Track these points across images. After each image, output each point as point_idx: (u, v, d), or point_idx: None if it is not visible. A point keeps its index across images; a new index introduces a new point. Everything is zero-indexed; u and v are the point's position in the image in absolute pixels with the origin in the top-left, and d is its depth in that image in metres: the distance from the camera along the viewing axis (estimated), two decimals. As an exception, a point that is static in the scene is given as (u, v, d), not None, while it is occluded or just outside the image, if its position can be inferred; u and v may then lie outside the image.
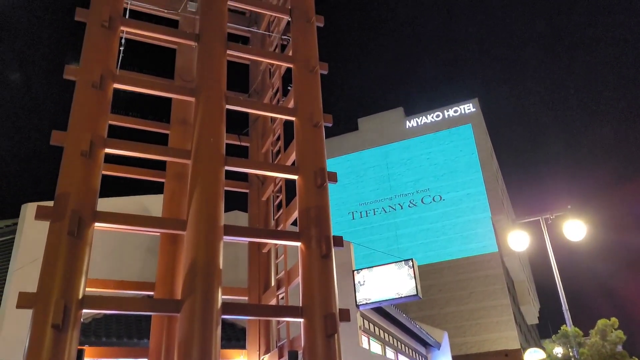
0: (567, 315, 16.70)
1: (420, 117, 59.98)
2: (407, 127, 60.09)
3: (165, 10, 12.56)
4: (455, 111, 58.67)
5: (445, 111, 59.03)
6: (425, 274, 49.57)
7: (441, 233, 54.62)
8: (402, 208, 57.36)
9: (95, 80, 8.81)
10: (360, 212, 58.99)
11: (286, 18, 11.72)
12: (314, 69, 10.62)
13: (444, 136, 57.26)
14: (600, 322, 17.63)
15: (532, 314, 63.34)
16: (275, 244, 11.38)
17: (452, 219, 54.53)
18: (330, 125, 10.54)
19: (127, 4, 10.78)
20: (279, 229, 10.93)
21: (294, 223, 9.98)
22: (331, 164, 58.27)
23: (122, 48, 10.51)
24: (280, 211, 11.01)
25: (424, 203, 56.54)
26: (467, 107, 58.04)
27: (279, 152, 11.84)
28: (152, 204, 18.17)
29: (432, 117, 59.31)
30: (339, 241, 9.32)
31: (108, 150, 8.78)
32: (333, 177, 9.85)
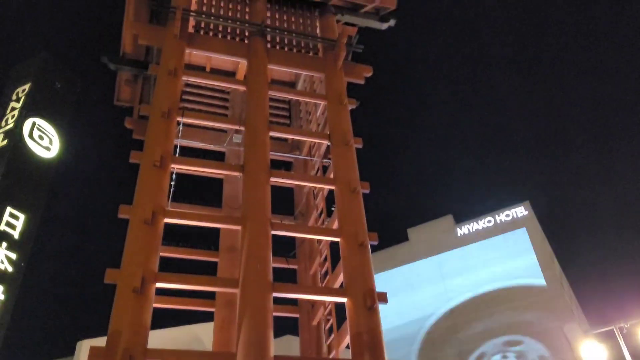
0: None
1: (472, 224, 58.75)
2: (459, 234, 58.87)
3: (213, 146, 13.39)
4: (507, 215, 57.34)
5: (496, 216, 57.78)
6: (497, 393, 45.54)
7: (509, 345, 50.89)
8: (463, 320, 54.37)
9: (147, 218, 9.21)
10: (419, 327, 56.19)
11: (326, 143, 12.21)
12: (355, 189, 10.81)
13: (498, 242, 55.59)
14: None
15: None
16: (329, 371, 10.87)
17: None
18: (375, 243, 10.49)
19: (177, 142, 11.56)
20: (331, 356, 10.51)
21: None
22: (383, 278, 57.01)
23: (173, 183, 11.11)
24: (332, 336, 10.66)
25: (486, 313, 53.50)
26: (520, 211, 56.72)
27: (327, 273, 11.75)
28: (204, 333, 18.02)
29: (484, 223, 58.05)
30: (394, 367, 8.84)
31: (159, 285, 8.95)
32: (383, 297, 9.60)
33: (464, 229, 58.76)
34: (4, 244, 18.24)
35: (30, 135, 20.95)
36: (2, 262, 17.95)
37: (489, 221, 57.72)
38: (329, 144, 11.96)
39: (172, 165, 10.61)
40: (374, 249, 11.94)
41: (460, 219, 60.25)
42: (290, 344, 16.54)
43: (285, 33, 12.95)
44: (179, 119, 11.23)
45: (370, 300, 9.27)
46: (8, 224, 18.57)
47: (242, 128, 11.67)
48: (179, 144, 11.77)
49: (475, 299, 54.69)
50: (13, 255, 18.28)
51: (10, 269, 18.04)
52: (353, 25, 14.30)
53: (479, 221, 58.29)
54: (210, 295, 12.11)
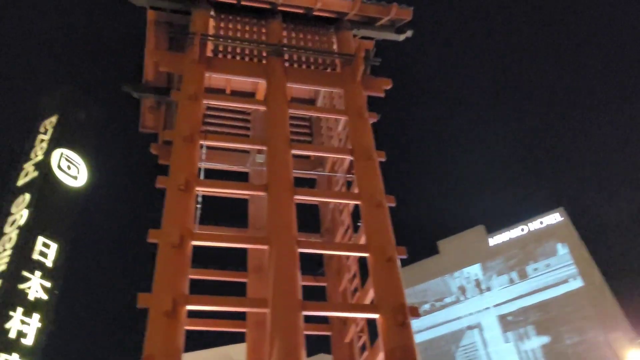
0: None
1: (504, 233, 57.36)
2: (492, 245, 57.58)
3: (236, 167, 13.47)
4: (541, 223, 55.74)
5: (529, 224, 56.30)
6: (541, 407, 44.05)
7: (550, 357, 49.28)
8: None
9: (175, 241, 9.25)
10: (456, 341, 54.95)
11: (349, 158, 12.15)
12: (380, 203, 10.68)
13: (533, 251, 54.18)
14: None
15: None
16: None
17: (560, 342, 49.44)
18: (404, 257, 10.30)
19: (202, 165, 11.66)
20: (365, 373, 10.31)
21: None
22: (414, 293, 56.14)
23: (199, 205, 11.19)
24: (365, 353, 10.48)
25: (526, 324, 52.01)
26: (555, 217, 55.10)
27: (356, 289, 11.60)
28: (238, 353, 17.98)
29: (517, 232, 56.61)
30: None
31: (190, 308, 8.95)
32: (415, 312, 9.40)
33: (496, 239, 57.43)
34: (38, 273, 18.65)
35: (59, 166, 21.56)
36: (37, 291, 18.31)
37: (522, 230, 56.29)
38: (351, 158, 11.89)
39: (197, 188, 10.68)
40: (404, 262, 11.75)
41: (492, 229, 58.92)
42: (324, 363, 16.35)
43: (302, 51, 13.02)
44: (202, 142, 11.33)
45: (401, 316, 9.08)
46: (41, 253, 19.01)
47: (264, 147, 11.71)
48: (203, 167, 11.87)
49: (513, 311, 53.36)
50: (47, 284, 18.65)
51: (45, 297, 18.39)
52: (370, 38, 14.30)
53: (512, 230, 56.88)
54: (241, 316, 12.07)
